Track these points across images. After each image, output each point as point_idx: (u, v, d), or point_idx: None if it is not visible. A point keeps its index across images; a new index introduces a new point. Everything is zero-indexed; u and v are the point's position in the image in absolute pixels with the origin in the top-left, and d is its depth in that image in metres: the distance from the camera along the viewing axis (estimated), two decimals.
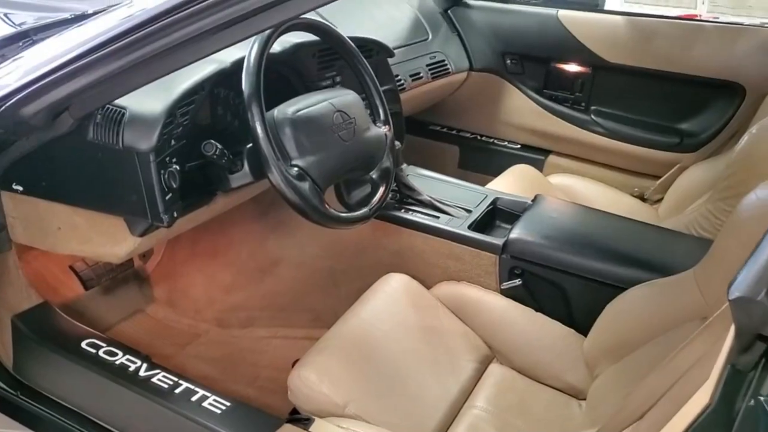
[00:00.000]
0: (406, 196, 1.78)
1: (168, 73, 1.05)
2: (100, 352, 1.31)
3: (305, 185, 1.25)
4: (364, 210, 1.40)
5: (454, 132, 2.62)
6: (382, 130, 1.51)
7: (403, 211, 1.73)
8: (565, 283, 1.48)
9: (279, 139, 1.26)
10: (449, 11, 2.50)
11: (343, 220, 1.34)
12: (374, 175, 1.47)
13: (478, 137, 2.58)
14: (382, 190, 1.46)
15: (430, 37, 2.37)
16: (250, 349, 1.80)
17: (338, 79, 1.68)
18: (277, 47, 1.48)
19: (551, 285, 1.50)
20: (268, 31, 1.28)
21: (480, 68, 2.46)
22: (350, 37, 1.54)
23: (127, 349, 1.32)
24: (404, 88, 2.13)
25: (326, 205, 1.30)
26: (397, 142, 1.72)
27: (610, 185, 2.24)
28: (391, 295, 1.50)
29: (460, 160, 2.59)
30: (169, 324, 1.88)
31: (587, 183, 2.22)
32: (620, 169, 2.36)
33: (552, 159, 2.46)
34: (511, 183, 2.08)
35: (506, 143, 2.54)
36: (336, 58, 1.60)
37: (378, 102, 1.53)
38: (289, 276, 1.84)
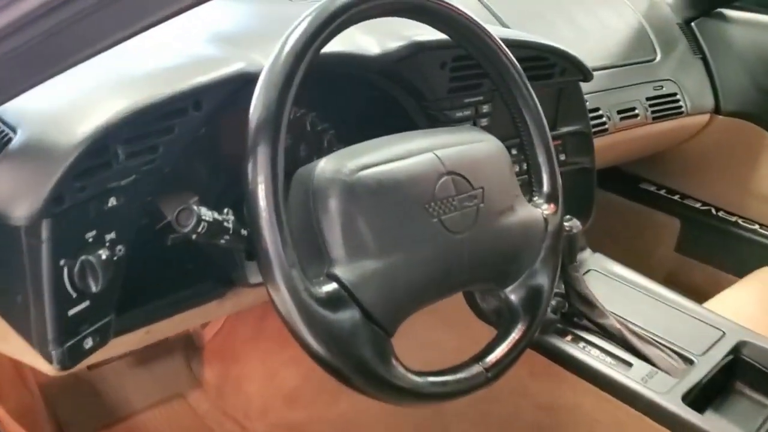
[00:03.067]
0: (579, 312, 1.07)
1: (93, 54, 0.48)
2: None
3: (347, 320, 0.61)
4: (476, 369, 0.72)
5: (676, 198, 1.80)
6: (542, 211, 0.82)
7: (569, 339, 1.02)
8: None
9: (312, 219, 0.63)
10: (693, 23, 1.70)
11: (425, 395, 0.67)
12: (512, 295, 0.78)
13: (713, 210, 1.74)
14: (519, 332, 0.76)
15: (658, 57, 1.60)
16: None
17: (485, 109, 1.01)
18: (369, 45, 0.85)
19: None
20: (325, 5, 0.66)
21: (732, 111, 1.64)
22: (513, 42, 0.87)
23: None
24: (605, 130, 1.39)
25: (394, 362, 0.65)
26: (575, 223, 1.02)
27: None
28: None
29: (679, 240, 1.77)
30: (209, 425, 1.33)
31: None
32: None
33: None
34: (765, 299, 1.28)
35: (757, 227, 1.68)
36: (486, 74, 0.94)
37: (543, 160, 0.84)
38: (376, 405, 1.19)
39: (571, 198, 1.19)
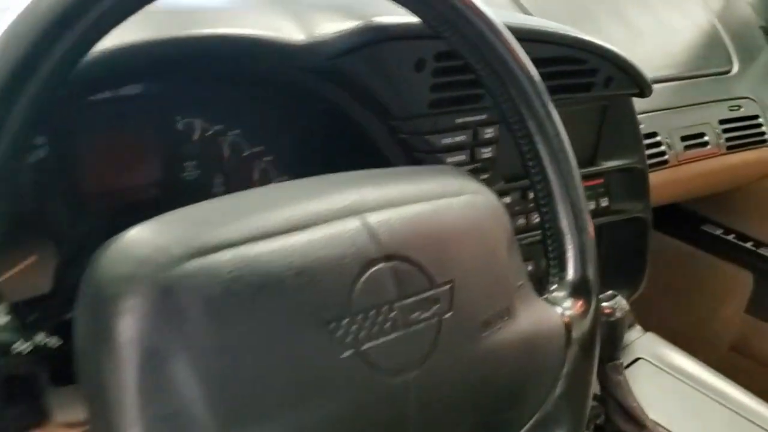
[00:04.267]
0: (618, 430, 0.73)
1: None
2: None
3: None
4: None
5: (748, 245, 1.44)
6: (563, 311, 0.49)
7: None
8: None
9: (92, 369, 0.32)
10: None
11: None
12: None
13: None
14: None
15: (735, 69, 1.24)
16: None
17: (489, 134, 0.68)
18: (292, 28, 0.53)
19: None
20: None
21: None
22: (530, 32, 0.55)
23: None
24: (665, 162, 1.05)
25: None
26: (620, 303, 0.70)
27: None
28: None
29: (752, 299, 1.41)
30: None
31: None
32: None
33: None
34: None
35: None
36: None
37: (567, 224, 0.51)
38: None
39: (617, 259, 0.86)
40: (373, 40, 0.55)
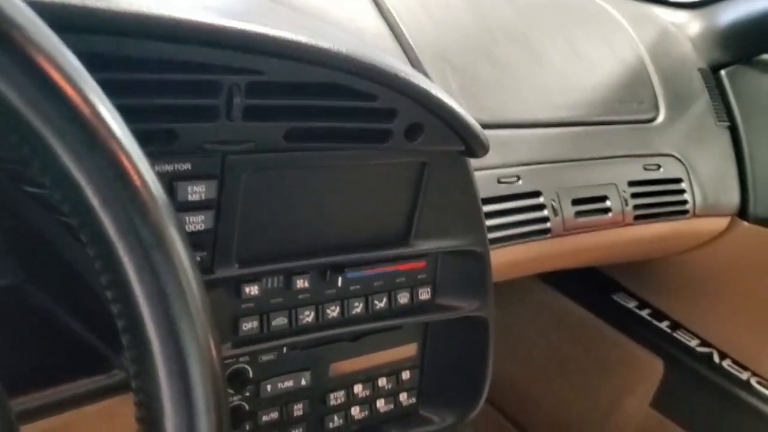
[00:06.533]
0: None
1: None
2: None
3: None
4: None
5: (663, 326, 1.21)
6: None
7: None
8: None
9: None
10: (723, 72, 1.11)
11: None
12: None
13: (716, 357, 1.15)
14: None
15: (661, 118, 1.00)
16: None
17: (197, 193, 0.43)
18: None
19: None
20: None
21: (767, 218, 1.04)
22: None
23: None
24: (546, 231, 0.81)
25: None
26: None
27: None
28: None
29: (659, 392, 1.18)
30: None
31: None
32: None
33: None
34: None
35: None
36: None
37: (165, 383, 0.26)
38: None
39: (444, 370, 0.62)
40: None
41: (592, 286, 1.29)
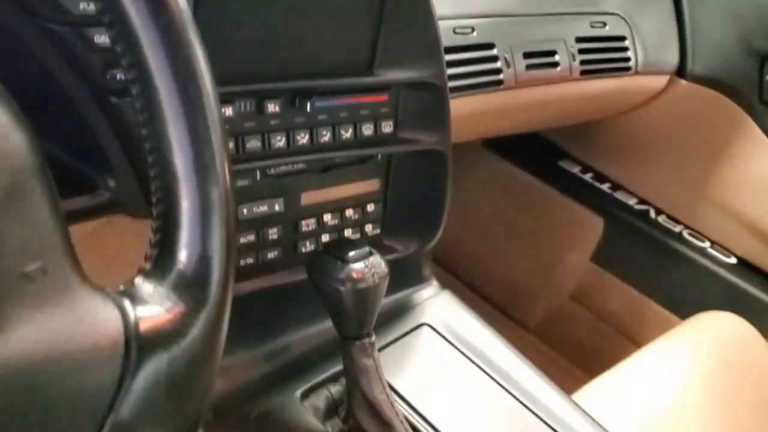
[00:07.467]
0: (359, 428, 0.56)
1: None
2: None
3: None
4: None
5: (604, 187, 1.29)
6: (125, 313, 0.27)
7: None
8: None
9: None
10: None
11: None
12: None
13: (652, 213, 1.24)
14: None
15: None
16: None
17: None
18: None
19: None
20: None
21: (703, 76, 1.09)
22: None
23: None
24: (499, 83, 0.84)
25: None
26: (375, 265, 0.49)
27: None
28: None
29: (600, 247, 1.27)
30: None
31: None
32: None
33: None
34: (704, 360, 0.84)
35: (708, 246, 1.18)
36: None
37: (181, 162, 0.29)
38: None
39: (405, 201, 0.66)
40: None
41: (538, 153, 1.34)
